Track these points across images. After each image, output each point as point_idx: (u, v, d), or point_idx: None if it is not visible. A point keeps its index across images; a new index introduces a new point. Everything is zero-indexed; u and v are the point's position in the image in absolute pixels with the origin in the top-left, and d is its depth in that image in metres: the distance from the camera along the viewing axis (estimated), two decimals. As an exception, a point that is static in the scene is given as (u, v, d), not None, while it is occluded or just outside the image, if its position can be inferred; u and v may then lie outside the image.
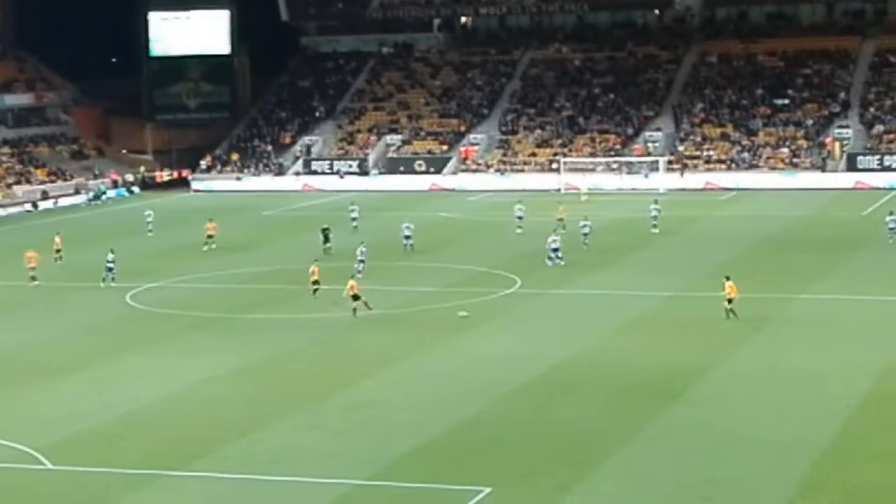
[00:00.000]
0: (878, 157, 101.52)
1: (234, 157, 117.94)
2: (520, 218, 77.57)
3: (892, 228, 66.21)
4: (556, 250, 63.91)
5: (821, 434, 35.16)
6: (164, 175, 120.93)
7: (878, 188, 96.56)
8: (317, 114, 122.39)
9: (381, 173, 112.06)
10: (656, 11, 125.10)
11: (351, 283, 52.99)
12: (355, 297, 52.28)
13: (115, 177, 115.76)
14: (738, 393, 40.04)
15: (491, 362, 44.78)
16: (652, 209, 76.62)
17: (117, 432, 37.48)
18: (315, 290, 56.40)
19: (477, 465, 33.61)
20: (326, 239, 69.94)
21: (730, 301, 49.94)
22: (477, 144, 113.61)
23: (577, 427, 36.72)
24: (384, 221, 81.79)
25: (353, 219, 79.36)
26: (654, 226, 75.44)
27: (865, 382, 40.45)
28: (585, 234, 69.36)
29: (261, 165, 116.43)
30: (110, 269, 61.87)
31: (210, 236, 73.53)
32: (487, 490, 31.23)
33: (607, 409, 38.53)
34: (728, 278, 50.72)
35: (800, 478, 31.77)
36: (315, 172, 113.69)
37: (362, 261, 62.05)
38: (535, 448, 34.94)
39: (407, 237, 70.22)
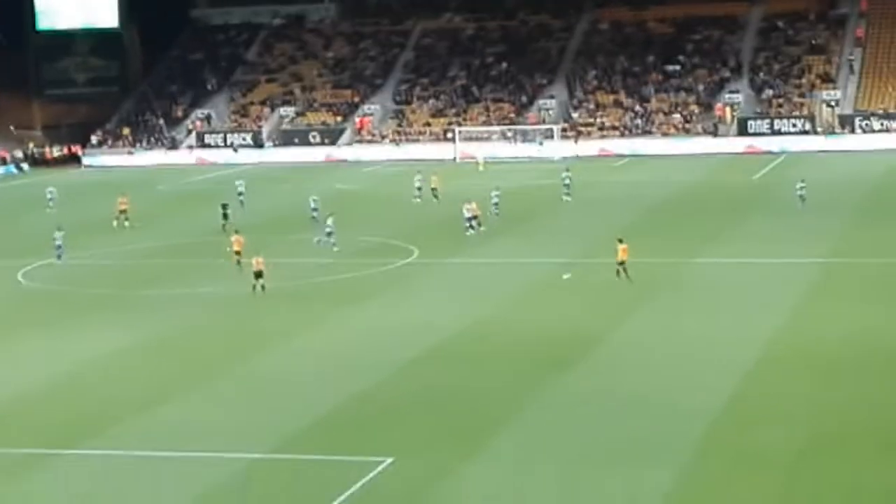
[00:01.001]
0: (767, 121, 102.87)
1: (126, 131, 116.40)
2: (419, 188, 77.57)
3: (801, 196, 65.70)
4: (471, 219, 63.56)
5: (715, 398, 35.53)
6: (53, 151, 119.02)
7: (769, 152, 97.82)
8: (209, 87, 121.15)
9: (275, 146, 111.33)
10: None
11: (258, 259, 51.47)
12: (258, 275, 50.92)
13: (2, 154, 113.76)
14: (634, 359, 40.37)
15: (389, 333, 44.70)
16: (564, 177, 76.76)
17: (4, 413, 36.83)
18: (238, 262, 55.81)
19: (378, 435, 33.57)
20: (225, 216, 68.59)
21: (621, 263, 50.27)
22: (371, 115, 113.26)
23: (476, 396, 36.79)
24: (280, 194, 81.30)
25: (240, 194, 78.29)
26: (567, 194, 75.55)
27: (758, 345, 40.98)
28: (496, 204, 69.31)
29: (153, 140, 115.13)
30: (58, 247, 60.31)
31: (122, 211, 71.88)
32: (389, 460, 31.19)
33: (506, 377, 38.63)
34: (621, 241, 51.03)
35: (695, 442, 32.12)
36: (208, 146, 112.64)
37: (331, 232, 61.49)
38: (436, 417, 34.97)
39: (314, 209, 69.78)
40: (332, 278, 55.19)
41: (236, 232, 58.69)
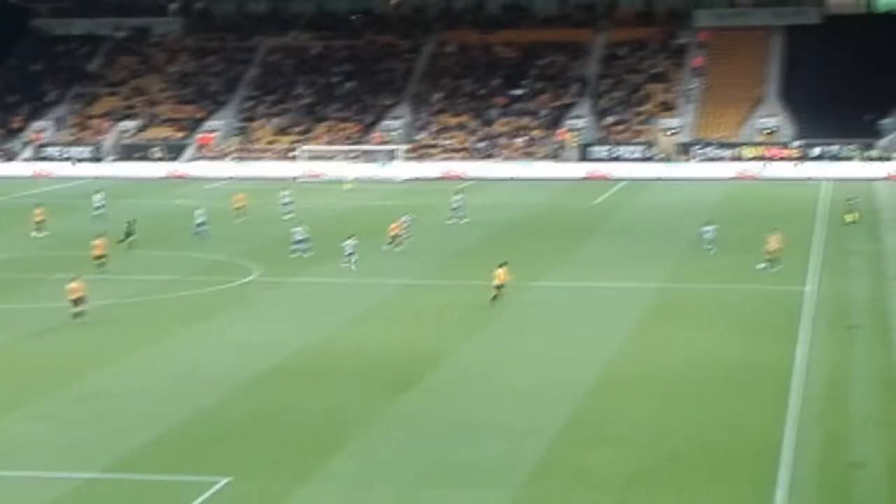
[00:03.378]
0: (608, 147, 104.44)
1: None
2: (285, 204, 77.95)
3: (710, 239, 62.29)
4: (300, 241, 63.15)
5: (553, 419, 35.94)
6: None
7: (609, 178, 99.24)
8: (48, 99, 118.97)
9: (115, 160, 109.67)
10: (395, 1, 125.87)
11: (73, 285, 48.49)
12: (77, 301, 48.19)
13: None
14: (474, 379, 40.60)
15: (229, 351, 44.34)
16: (454, 201, 76.61)
17: None
18: (101, 265, 56.97)
19: (214, 455, 33.23)
20: (129, 233, 66.70)
21: (499, 287, 50.43)
22: (215, 131, 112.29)
23: (315, 415, 36.67)
24: (120, 209, 79.87)
25: (97, 207, 77.13)
26: (461, 217, 75.26)
27: (595, 368, 41.51)
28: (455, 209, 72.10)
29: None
30: None
31: (38, 222, 70.82)
32: (225, 480, 30.91)
33: (345, 396, 38.57)
34: (502, 265, 51.17)
35: (533, 462, 32.41)
36: (47, 158, 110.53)
37: (301, 240, 62.27)
38: (274, 437, 34.75)
39: (200, 224, 69.35)
40: (173, 296, 54.52)
41: (98, 236, 59.54)
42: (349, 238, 59.95)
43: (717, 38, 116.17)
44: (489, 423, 35.72)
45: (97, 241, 59.28)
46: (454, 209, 75.98)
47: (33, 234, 70.49)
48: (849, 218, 71.97)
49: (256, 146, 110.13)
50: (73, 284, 48.49)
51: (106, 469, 32.03)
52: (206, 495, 30.00)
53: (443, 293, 53.37)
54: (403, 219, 65.70)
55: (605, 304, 51.76)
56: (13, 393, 39.24)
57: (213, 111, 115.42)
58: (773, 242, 57.81)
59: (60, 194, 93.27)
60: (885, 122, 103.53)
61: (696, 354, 43.09)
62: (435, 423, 35.98)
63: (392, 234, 64.23)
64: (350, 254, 59.28)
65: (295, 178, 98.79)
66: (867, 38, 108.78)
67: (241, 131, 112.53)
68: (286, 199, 78.73)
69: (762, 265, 57.42)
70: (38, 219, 71.16)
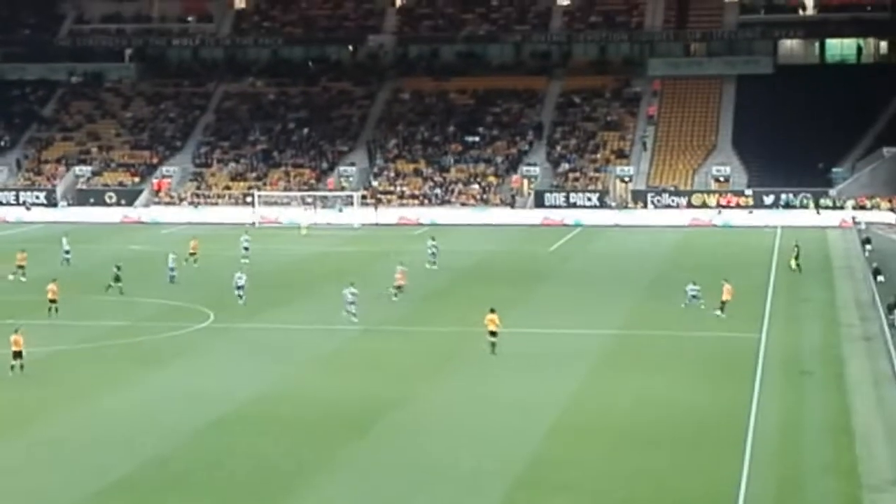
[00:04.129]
0: (564, 193, 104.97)
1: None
2: (246, 248, 78.11)
3: (694, 297, 60.93)
4: (240, 287, 62.86)
5: (511, 464, 35.91)
6: None
7: (565, 224, 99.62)
8: (1, 143, 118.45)
9: (69, 205, 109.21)
10: (350, 48, 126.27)
11: (15, 337, 46.91)
12: (17, 355, 46.60)
13: None
14: (431, 424, 40.53)
15: (182, 398, 44.05)
16: (430, 245, 76.44)
17: None
18: (51, 309, 57.87)
19: (169, 503, 32.95)
20: (117, 278, 66.12)
21: (493, 334, 49.74)
22: (170, 177, 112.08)
23: (268, 462, 36.45)
24: (79, 254, 79.33)
25: (67, 252, 76.67)
26: (433, 262, 75.11)
27: (552, 413, 41.55)
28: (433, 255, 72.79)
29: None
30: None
31: (20, 266, 70.71)
32: (178, 528, 30.68)
33: (300, 443, 38.39)
34: (493, 310, 50.55)
35: (490, 508, 32.36)
36: (0, 203, 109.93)
37: (241, 287, 61.93)
38: (226, 484, 34.53)
39: (172, 269, 69.50)
40: (127, 341, 54.19)
41: (53, 280, 59.92)
42: (350, 286, 58.18)
43: (670, 86, 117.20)
44: (447, 468, 35.64)
45: (51, 286, 59.04)
46: (431, 254, 75.81)
47: (10, 276, 70.26)
48: (793, 264, 72.52)
49: (212, 191, 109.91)
50: (15, 336, 47.02)
51: (58, 516, 31.76)
52: (159, 542, 29.77)
53: (399, 339, 53.27)
54: (401, 268, 64.78)
55: (561, 349, 51.85)
56: (-36, 439, 38.85)
57: (168, 156, 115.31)
58: (726, 293, 58.22)
59: (13, 239, 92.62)
60: (837, 170, 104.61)
61: (651, 400, 43.20)
62: (392, 467, 35.86)
63: (398, 284, 63.25)
64: (351, 302, 57.31)
65: (252, 224, 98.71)
66: (819, 87, 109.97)
67: (197, 176, 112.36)
68: (245, 244, 78.59)
69: (718, 312, 57.75)
70: (19, 263, 70.97)
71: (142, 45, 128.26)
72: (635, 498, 33.07)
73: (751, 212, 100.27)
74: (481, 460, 36.42)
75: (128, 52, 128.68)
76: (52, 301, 58.54)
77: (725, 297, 58.10)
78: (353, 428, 39.88)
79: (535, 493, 33.62)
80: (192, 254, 76.45)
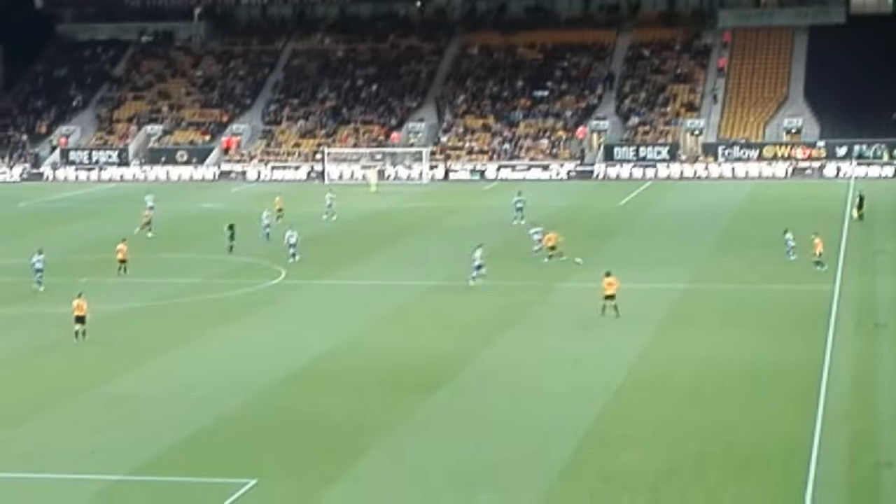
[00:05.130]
0: (633, 148, 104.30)
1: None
2: (329, 206, 78.31)
3: (792, 247, 59.36)
4: (293, 245, 62.79)
5: (581, 419, 35.93)
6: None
7: (634, 179, 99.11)
8: (74, 103, 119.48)
9: (142, 164, 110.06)
10: (418, 4, 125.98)
11: (78, 301, 46.47)
12: (79, 319, 46.12)
13: None
14: (499, 380, 40.59)
15: (255, 354, 44.43)
16: (516, 200, 76.04)
17: None
18: (121, 269, 58.50)
19: (241, 457, 33.30)
20: (232, 236, 66.79)
21: (610, 297, 48.22)
22: (240, 135, 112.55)
23: (341, 418, 36.69)
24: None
25: (150, 208, 77.52)
26: (521, 217, 74.51)
27: (622, 368, 41.48)
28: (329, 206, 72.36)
29: (16, 156, 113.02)
30: (38, 271, 56.67)
31: (147, 224, 72.72)
32: (252, 482, 30.97)
33: (371, 399, 38.61)
34: (608, 274, 49.30)
35: (560, 463, 32.40)
36: (73, 163, 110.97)
37: (294, 244, 62.38)
38: (301, 440, 34.80)
39: (266, 226, 69.80)
40: (199, 298, 54.69)
41: (123, 240, 60.54)
42: (477, 248, 56.37)
43: (741, 38, 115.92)
44: (516, 424, 35.72)
45: (120, 245, 59.59)
46: (518, 209, 75.47)
47: (136, 230, 71.72)
48: (855, 214, 71.99)
49: (281, 149, 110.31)
50: (77, 301, 46.60)
51: (133, 472, 32.14)
52: (233, 497, 30.06)
53: (466, 294, 53.32)
54: (551, 234, 62.22)
55: (631, 304, 51.56)
56: (42, 396, 39.40)
57: (238, 115, 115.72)
58: (818, 246, 57.48)
59: (87, 198, 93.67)
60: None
61: (721, 354, 42.98)
62: (461, 424, 35.98)
63: (549, 244, 61.56)
64: (478, 266, 55.39)
65: (323, 181, 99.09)
66: (892, 37, 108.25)
67: (266, 134, 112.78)
68: (329, 201, 78.60)
69: (818, 266, 56.82)
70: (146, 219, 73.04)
71: (211, 3, 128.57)
72: (707, 452, 32.96)
73: (822, 164, 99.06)
74: (550, 416, 36.45)
75: (197, 11, 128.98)
76: (122, 261, 59.12)
77: (817, 250, 57.32)
78: (423, 384, 40.03)
79: (605, 447, 33.60)
80: (278, 210, 76.30)
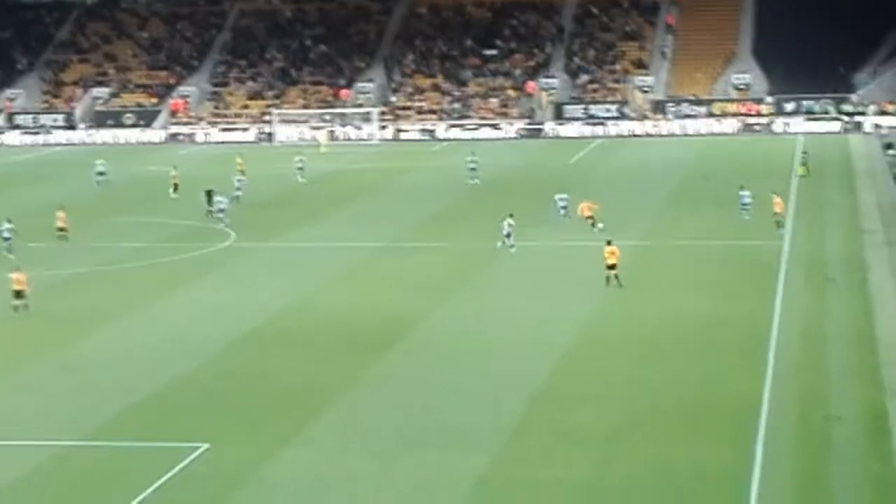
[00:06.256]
0: (583, 106, 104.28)
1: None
2: (301, 168, 78.04)
3: (747, 203, 58.82)
4: (222, 210, 62.12)
5: (534, 377, 36.01)
6: None
7: (584, 137, 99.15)
8: (19, 66, 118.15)
9: (88, 127, 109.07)
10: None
11: (16, 276, 45.27)
12: (18, 294, 44.91)
13: None
14: (452, 340, 40.61)
15: (206, 317, 44.27)
16: (469, 161, 75.67)
17: None
18: (62, 238, 57.50)
19: (194, 421, 33.21)
20: (209, 201, 65.59)
21: (611, 267, 46.48)
22: (188, 97, 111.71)
23: (294, 379, 36.64)
24: (93, 176, 79.40)
25: (101, 174, 76.80)
26: (474, 178, 74.37)
27: (574, 327, 41.56)
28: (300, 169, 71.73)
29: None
30: (7, 240, 55.73)
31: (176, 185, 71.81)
32: (205, 446, 30.90)
33: (325, 360, 38.56)
34: (609, 242, 47.57)
35: (515, 420, 32.50)
36: (19, 127, 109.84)
37: (222, 210, 61.77)
38: (253, 402, 34.73)
39: (238, 189, 69.15)
40: (149, 262, 54.35)
41: (61, 208, 59.52)
42: (507, 217, 54.70)
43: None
44: (469, 384, 35.76)
45: (60, 213, 58.70)
46: (471, 170, 75.23)
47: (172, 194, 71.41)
48: (801, 171, 72.39)
49: (229, 111, 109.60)
50: (15, 275, 45.38)
51: (86, 437, 32.01)
52: (185, 461, 29.99)
53: (417, 255, 53.28)
54: (584, 203, 59.78)
55: (583, 262, 51.63)
56: (-9, 363, 39.15)
57: (185, 77, 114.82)
58: (777, 205, 56.81)
59: (34, 162, 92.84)
60: (859, 75, 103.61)
61: (674, 311, 43.18)
62: (414, 384, 36.00)
63: (586, 214, 59.19)
64: (507, 234, 54.11)
65: (271, 143, 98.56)
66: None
67: (214, 96, 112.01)
68: (299, 164, 78.09)
69: (779, 230, 56.49)
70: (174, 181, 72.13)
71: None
72: (660, 408, 33.13)
73: (770, 120, 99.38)
74: (503, 375, 36.52)
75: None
76: (61, 230, 58.15)
77: (777, 209, 56.88)
78: (376, 345, 40.00)
79: (559, 406, 33.70)
80: (241, 171, 75.08)
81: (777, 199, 57.22)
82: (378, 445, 31.11)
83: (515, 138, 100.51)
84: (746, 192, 59.44)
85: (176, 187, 71.48)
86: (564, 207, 61.02)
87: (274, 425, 32.67)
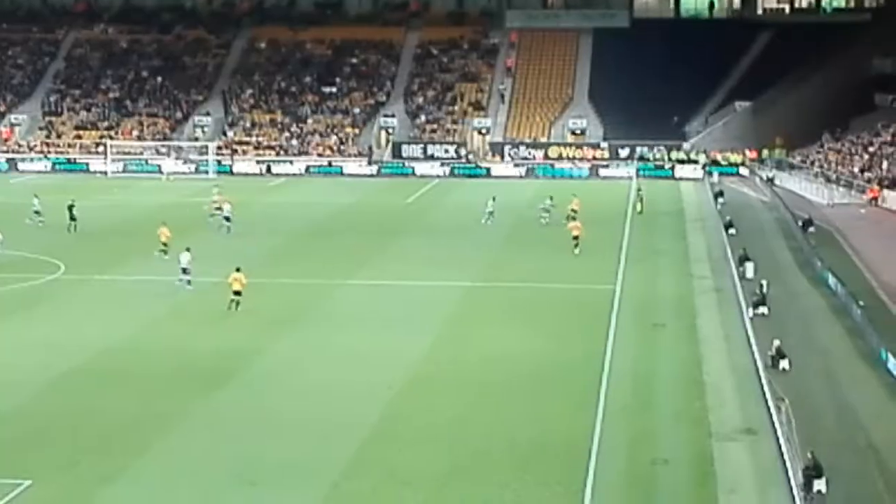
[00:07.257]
0: (421, 145, 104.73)
1: None
2: (215, 203, 75.15)
3: (546, 208, 63.50)
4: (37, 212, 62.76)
5: (366, 417, 35.86)
6: None
7: (423, 176, 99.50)
8: None
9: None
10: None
11: None
12: None
13: None
14: (285, 377, 40.30)
15: (32, 351, 43.21)
16: (489, 204, 73.52)
17: None
18: None
19: (16, 458, 32.36)
20: (72, 217, 65.78)
21: (237, 293, 49.05)
22: (18, 125, 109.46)
23: (121, 416, 35.94)
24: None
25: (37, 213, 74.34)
26: (491, 216, 72.70)
27: (406, 365, 41.53)
28: (490, 213, 72.07)
29: None
30: None
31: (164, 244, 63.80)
32: (27, 483, 30.14)
33: (153, 396, 37.91)
34: (238, 269, 49.92)
35: (345, 459, 32.31)
36: None
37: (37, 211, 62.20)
38: (78, 438, 33.98)
39: (36, 212, 69.34)
40: (-28, 293, 52.96)
41: None
42: (185, 251, 54.99)
43: (528, 38, 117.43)
44: (300, 421, 35.48)
45: None
46: (489, 212, 72.96)
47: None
48: (638, 207, 76.26)
49: (61, 140, 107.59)
50: None
51: None
52: (7, 498, 29.23)
53: (253, 291, 52.77)
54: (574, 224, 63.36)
55: (416, 302, 51.82)
56: None
57: (17, 104, 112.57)
58: (574, 204, 60.77)
59: None
60: (691, 124, 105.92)
61: (505, 352, 43.39)
62: (245, 421, 35.59)
63: (574, 234, 62.06)
64: (184, 269, 54.16)
65: (106, 175, 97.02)
66: (674, 41, 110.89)
67: (47, 125, 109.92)
68: (216, 197, 75.15)
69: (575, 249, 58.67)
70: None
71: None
72: (490, 449, 33.22)
73: (607, 165, 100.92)
74: (335, 413, 36.32)
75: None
76: None
77: (574, 206, 63.66)
78: (206, 381, 39.49)
79: (390, 445, 33.60)
80: (216, 208, 72.70)
81: (576, 200, 65.34)
82: (206, 484, 30.65)
83: (353, 176, 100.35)
84: (549, 201, 68.12)
85: None
86: (547, 212, 70.25)
87: (99, 463, 31.98)
